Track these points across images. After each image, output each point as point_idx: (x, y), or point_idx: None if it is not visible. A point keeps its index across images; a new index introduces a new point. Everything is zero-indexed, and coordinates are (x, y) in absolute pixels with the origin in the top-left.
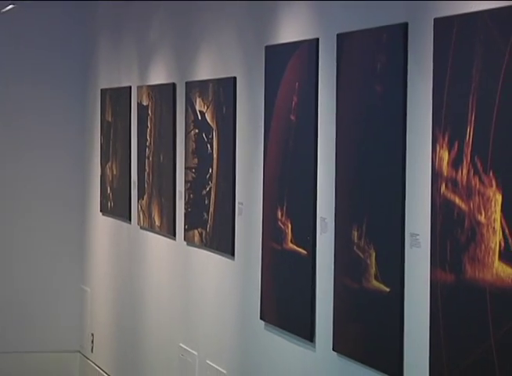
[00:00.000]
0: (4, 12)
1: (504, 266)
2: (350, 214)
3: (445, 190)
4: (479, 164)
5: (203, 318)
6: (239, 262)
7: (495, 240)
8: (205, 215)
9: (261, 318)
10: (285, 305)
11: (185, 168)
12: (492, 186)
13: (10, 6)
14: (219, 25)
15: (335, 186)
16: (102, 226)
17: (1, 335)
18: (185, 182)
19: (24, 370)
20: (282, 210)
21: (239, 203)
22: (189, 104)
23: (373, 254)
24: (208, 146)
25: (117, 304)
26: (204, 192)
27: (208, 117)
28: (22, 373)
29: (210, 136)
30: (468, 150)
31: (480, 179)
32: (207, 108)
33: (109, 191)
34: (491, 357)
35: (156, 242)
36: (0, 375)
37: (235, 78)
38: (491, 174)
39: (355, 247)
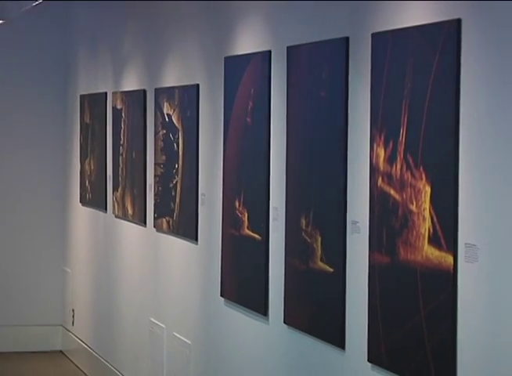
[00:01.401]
0: None
1: (432, 249)
2: (298, 204)
3: (381, 183)
4: (411, 160)
5: (171, 295)
6: (202, 247)
7: (425, 227)
8: (172, 204)
9: (221, 295)
10: (242, 283)
11: (155, 164)
12: (422, 179)
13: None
14: (184, 38)
15: (286, 179)
16: (82, 215)
17: None
18: (155, 176)
19: (14, 341)
20: (239, 200)
21: (201, 194)
22: (158, 108)
23: (319, 239)
24: (174, 144)
25: (95, 283)
26: (171, 185)
27: (174, 119)
28: (11, 344)
29: (176, 136)
30: (401, 148)
31: (411, 173)
32: (174, 111)
33: (87, 184)
34: (421, 329)
35: (129, 229)
36: None
37: (198, 85)
38: (421, 169)
39: (303, 233)
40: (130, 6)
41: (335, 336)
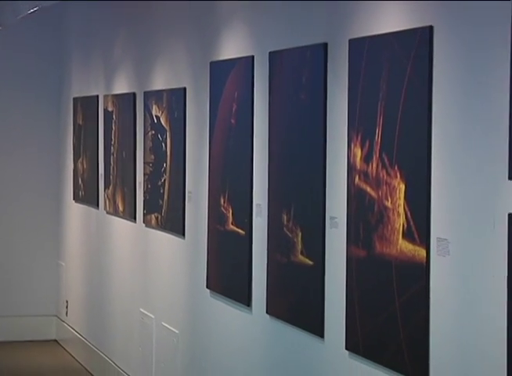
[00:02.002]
0: None
1: (406, 243)
2: (280, 200)
3: (358, 181)
4: (386, 159)
5: (159, 287)
6: (189, 241)
7: (399, 222)
8: (160, 201)
9: (206, 287)
10: (226, 276)
11: (144, 163)
12: (396, 177)
13: None
14: (171, 44)
15: (268, 177)
16: (75, 212)
17: None
18: (144, 174)
19: (10, 331)
20: (224, 197)
21: (188, 192)
22: (147, 110)
23: (299, 234)
24: (163, 144)
25: (88, 276)
26: (160, 182)
27: (163, 121)
28: (8, 334)
29: (164, 136)
30: (377, 148)
31: (387, 172)
32: (162, 113)
33: (80, 182)
34: (395, 318)
35: (120, 224)
36: None
37: (185, 88)
38: (396, 167)
39: (284, 228)
40: (120, 14)
41: (315, 325)
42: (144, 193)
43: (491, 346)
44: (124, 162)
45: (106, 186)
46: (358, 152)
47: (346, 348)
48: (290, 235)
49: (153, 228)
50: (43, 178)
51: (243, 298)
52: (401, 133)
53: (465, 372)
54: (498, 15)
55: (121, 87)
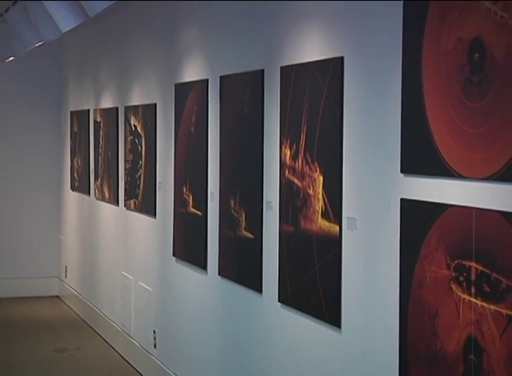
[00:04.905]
0: (7, 62)
1: (324, 221)
2: (229, 189)
3: (287, 174)
4: (309, 158)
5: (137, 256)
6: (159, 221)
7: (319, 205)
8: (137, 190)
9: (173, 255)
10: (188, 247)
11: (125, 161)
12: (316, 171)
13: (11, 58)
14: (145, 70)
15: (219, 171)
16: (72, 198)
17: (1, 268)
18: (125, 169)
19: (20, 289)
20: (186, 187)
21: (158, 183)
22: (127, 120)
23: (243, 215)
24: (139, 146)
25: (82, 247)
26: (137, 176)
27: (139, 129)
28: (19, 291)
29: (140, 141)
30: (302, 149)
31: (309, 167)
32: (138, 123)
33: (76, 175)
34: (316, 278)
35: (106, 208)
36: (0, 294)
37: (155, 104)
38: (316, 164)
39: (232, 210)
40: (105, 48)
41: (255, 284)
42: (125, 183)
43: (387, 296)
44: (110, 160)
45: (96, 179)
46: (288, 152)
47: (278, 301)
48: (236, 215)
49: (131, 210)
50: (47, 172)
51: (201, 263)
52: (319, 138)
53: (367, 316)
54: (391, 50)
55: (107, 103)
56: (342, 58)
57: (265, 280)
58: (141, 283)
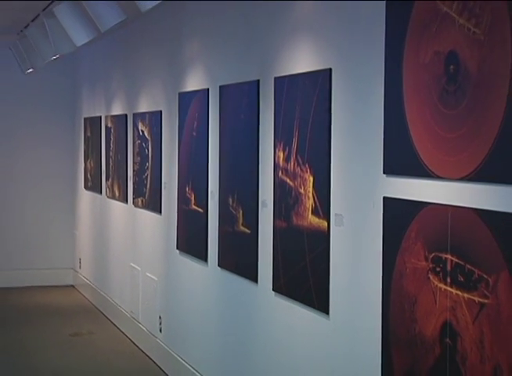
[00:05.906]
0: (27, 74)
1: (314, 218)
2: (227, 188)
3: (281, 175)
4: (300, 160)
5: (144, 248)
6: (164, 217)
7: (309, 203)
8: (144, 189)
9: (177, 248)
10: (191, 240)
11: (133, 163)
12: (307, 172)
13: (31, 70)
14: (151, 79)
15: (219, 172)
16: (85, 197)
17: (23, 259)
18: (133, 170)
19: (39, 278)
20: (188, 186)
21: (164, 182)
22: (135, 126)
23: (241, 211)
24: (146, 150)
25: (94, 241)
26: (144, 176)
27: (146, 133)
28: (38, 280)
29: (147, 144)
30: (294, 152)
31: (301, 168)
32: (146, 128)
33: (89, 176)
34: (306, 269)
35: (116, 206)
36: (22, 283)
37: (161, 111)
38: (307, 165)
39: (230, 208)
40: (116, 59)
41: (251, 274)
42: (133, 183)
43: (371, 285)
44: (119, 162)
45: (107, 179)
46: (281, 154)
47: (272, 290)
48: (234, 212)
49: (139, 208)
50: (63, 173)
51: (202, 255)
52: (310, 142)
53: (352, 303)
54: (374, 62)
55: (117, 110)
56: (330, 69)
57: (260, 271)
58: (148, 274)
